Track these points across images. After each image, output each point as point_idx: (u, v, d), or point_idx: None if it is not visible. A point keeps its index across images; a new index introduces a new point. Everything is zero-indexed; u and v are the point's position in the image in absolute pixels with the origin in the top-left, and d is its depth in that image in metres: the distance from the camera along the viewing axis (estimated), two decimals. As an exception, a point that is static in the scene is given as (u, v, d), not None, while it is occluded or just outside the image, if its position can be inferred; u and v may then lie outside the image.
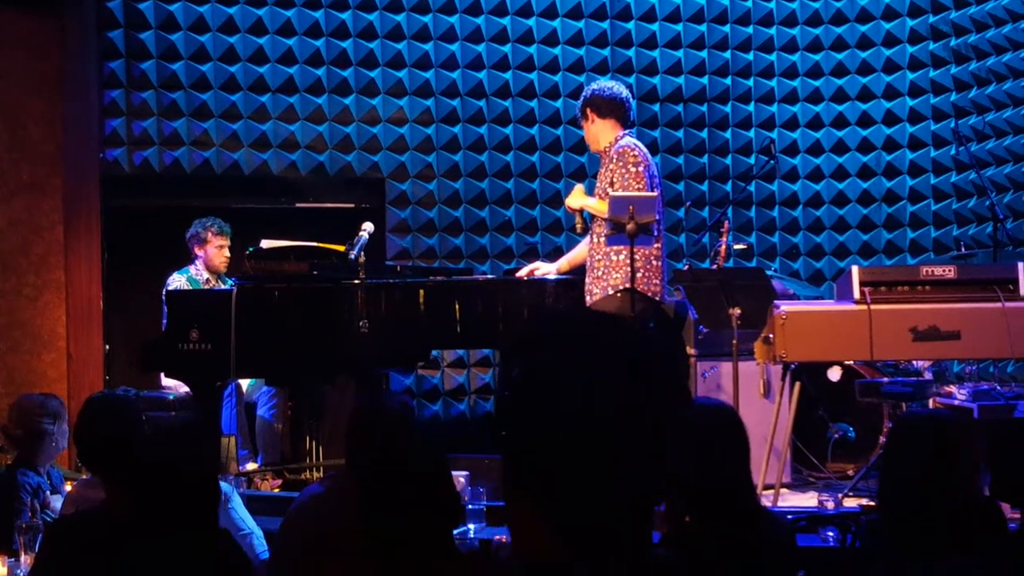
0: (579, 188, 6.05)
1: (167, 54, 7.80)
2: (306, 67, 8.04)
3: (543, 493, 1.48)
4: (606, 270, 5.87)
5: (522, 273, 6.48)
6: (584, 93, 6.09)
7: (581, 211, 5.95)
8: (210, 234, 7.32)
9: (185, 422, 5.43)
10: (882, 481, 3.26)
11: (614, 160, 5.87)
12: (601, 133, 6.01)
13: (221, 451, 6.46)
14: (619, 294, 5.79)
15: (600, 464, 1.46)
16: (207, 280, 7.33)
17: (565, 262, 6.42)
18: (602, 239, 5.86)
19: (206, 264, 7.34)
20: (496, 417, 1.56)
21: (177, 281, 7.25)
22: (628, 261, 5.68)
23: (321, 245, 6.73)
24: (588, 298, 5.96)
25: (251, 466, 7.12)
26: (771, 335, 5.48)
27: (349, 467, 3.17)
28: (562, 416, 1.46)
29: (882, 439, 6.38)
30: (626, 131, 6.02)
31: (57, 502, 4.68)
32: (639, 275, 5.76)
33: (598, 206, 5.85)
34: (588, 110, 6.03)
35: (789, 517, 4.61)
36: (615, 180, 5.81)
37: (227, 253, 7.35)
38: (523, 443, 1.51)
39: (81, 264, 7.46)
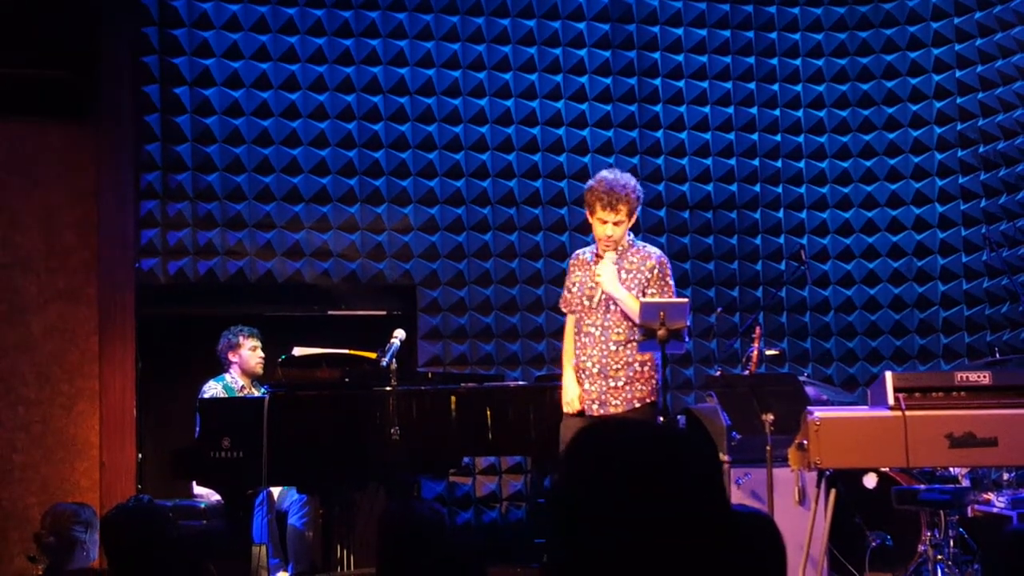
0: (614, 272, 5.77)
1: (203, 165, 7.93)
2: (339, 177, 8.14)
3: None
4: (630, 381, 5.75)
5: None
6: (631, 191, 5.79)
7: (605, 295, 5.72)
8: (241, 338, 7.40)
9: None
10: None
11: (653, 271, 5.79)
12: (627, 230, 5.88)
13: (252, 560, 6.43)
14: (643, 407, 5.76)
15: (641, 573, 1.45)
16: (243, 387, 7.37)
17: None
18: (624, 346, 5.70)
19: (242, 369, 7.39)
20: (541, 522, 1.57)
21: (213, 389, 7.29)
22: (653, 372, 5.68)
23: (353, 352, 6.75)
24: (601, 409, 5.72)
25: (282, 575, 7.07)
26: (805, 441, 5.43)
27: (380, 574, 3.15)
28: (600, 524, 1.46)
29: (921, 547, 6.28)
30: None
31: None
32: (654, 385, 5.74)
33: (631, 304, 5.66)
34: (633, 210, 5.83)
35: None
36: (655, 291, 5.77)
37: (261, 354, 7.42)
38: (563, 552, 1.50)
39: (115, 373, 7.51)
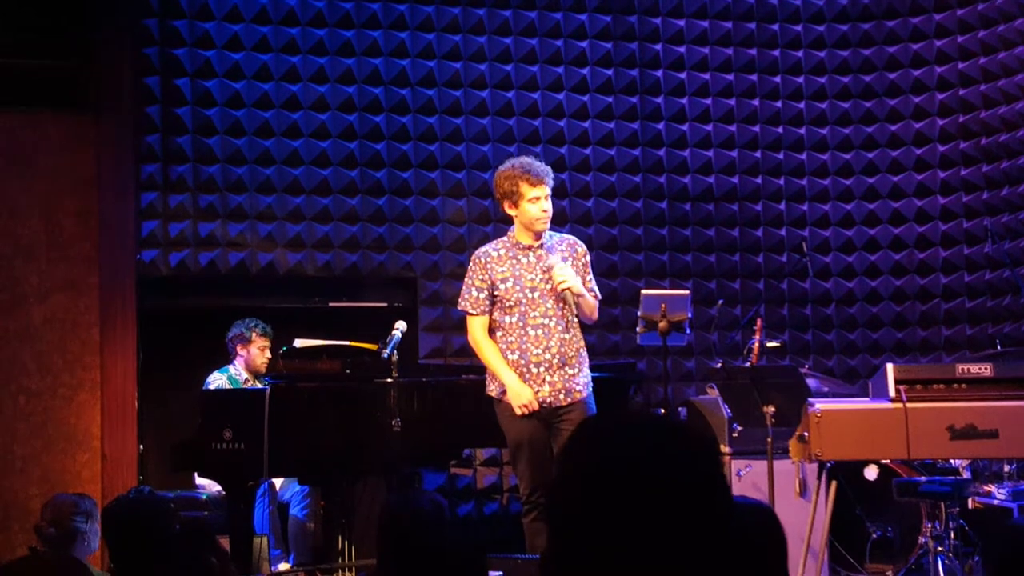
0: (569, 267, 5.61)
1: (204, 157, 7.92)
2: (340, 169, 8.14)
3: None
4: (581, 365, 5.67)
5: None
6: (547, 167, 5.75)
7: (567, 290, 5.53)
8: (255, 335, 7.39)
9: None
10: None
11: (584, 257, 5.75)
12: None
13: (253, 551, 6.43)
14: (592, 389, 5.74)
15: (642, 566, 1.45)
16: (246, 380, 7.37)
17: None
18: (574, 332, 5.60)
19: (247, 364, 7.39)
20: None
21: (217, 380, 7.30)
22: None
23: (354, 344, 6.76)
24: (567, 397, 5.60)
25: (283, 566, 7.09)
26: (806, 433, 5.44)
27: (380, 566, 3.15)
28: (601, 516, 1.46)
29: (921, 539, 6.29)
30: None
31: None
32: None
33: (590, 299, 5.64)
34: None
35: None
36: (590, 278, 5.76)
37: (268, 355, 7.42)
38: (563, 544, 1.50)
39: (116, 364, 7.51)
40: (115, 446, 7.47)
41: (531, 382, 5.60)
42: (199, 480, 7.28)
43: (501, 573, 5.27)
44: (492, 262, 5.71)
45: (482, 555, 2.96)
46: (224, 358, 7.46)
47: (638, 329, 5.72)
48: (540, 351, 5.60)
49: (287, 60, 8.09)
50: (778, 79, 8.78)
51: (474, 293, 5.73)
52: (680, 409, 7.39)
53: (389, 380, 6.27)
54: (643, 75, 8.59)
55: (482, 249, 5.83)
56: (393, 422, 6.13)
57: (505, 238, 5.80)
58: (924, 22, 8.57)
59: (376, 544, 3.19)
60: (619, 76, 8.56)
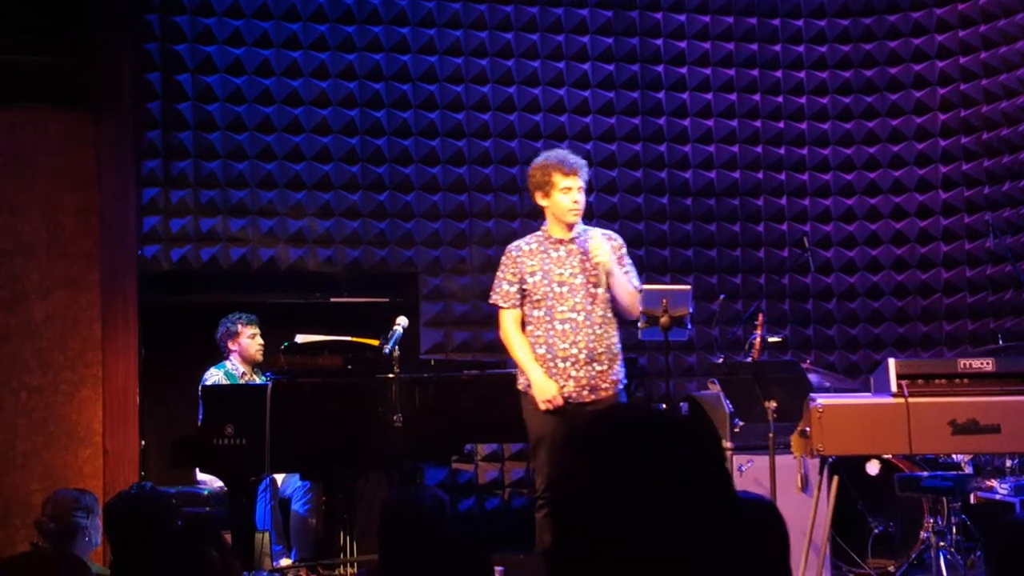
0: (609, 248, 5.63)
1: (205, 153, 7.92)
2: (341, 164, 8.13)
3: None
4: (612, 362, 5.65)
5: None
6: (584, 165, 5.80)
7: (598, 264, 5.54)
8: (240, 326, 7.40)
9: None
10: None
11: (620, 250, 5.74)
12: None
13: (255, 547, 6.44)
14: (623, 388, 5.72)
15: (645, 561, 1.45)
16: (243, 374, 7.38)
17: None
18: (607, 328, 5.59)
19: (242, 356, 7.39)
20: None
21: (215, 376, 7.29)
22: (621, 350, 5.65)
23: (355, 340, 6.76)
24: (592, 394, 5.57)
25: (285, 562, 7.09)
26: (808, 428, 5.43)
27: (382, 562, 3.15)
28: (603, 511, 1.46)
29: (923, 534, 6.29)
30: None
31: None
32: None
33: (624, 281, 5.62)
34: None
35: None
36: (627, 270, 5.75)
37: (260, 341, 7.42)
38: (566, 540, 1.50)
39: (118, 360, 7.51)
40: (116, 442, 7.47)
41: (557, 377, 5.59)
42: (200, 476, 7.28)
43: (502, 569, 5.27)
44: (523, 256, 5.74)
45: (483, 551, 2.96)
46: (223, 355, 7.46)
47: (639, 324, 5.70)
48: (567, 346, 5.59)
49: (288, 55, 8.08)
50: (779, 73, 8.77)
51: (505, 287, 5.76)
52: (681, 404, 7.38)
53: (390, 376, 6.27)
54: (644, 70, 8.59)
55: (514, 243, 5.87)
56: (394, 417, 6.12)
57: (538, 232, 5.82)
58: (925, 17, 8.56)
59: (378, 540, 3.19)
60: (620, 71, 8.55)
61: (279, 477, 7.30)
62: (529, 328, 5.71)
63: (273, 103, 8.04)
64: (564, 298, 5.63)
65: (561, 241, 5.72)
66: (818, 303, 8.74)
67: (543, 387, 5.56)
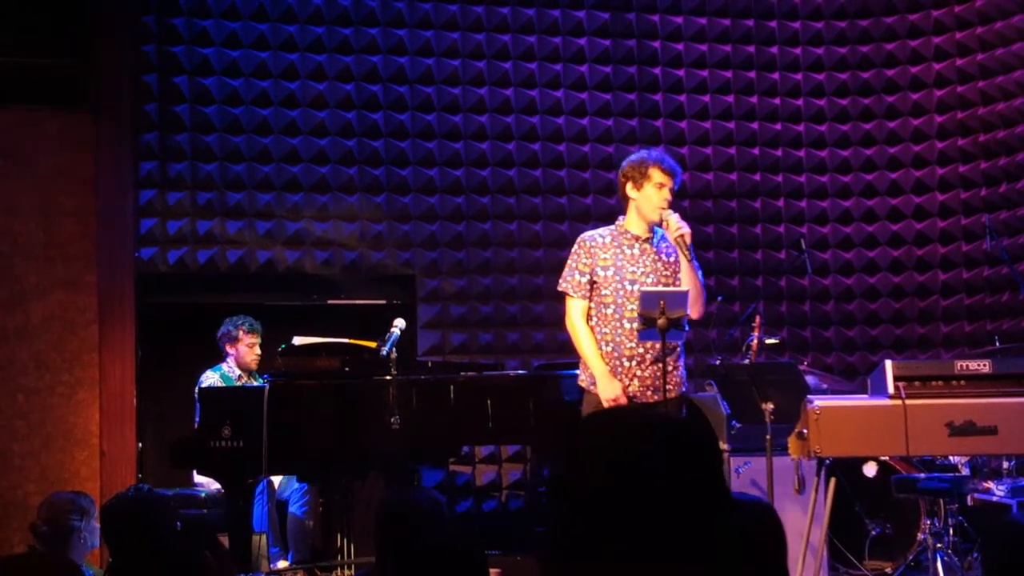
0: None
1: (202, 154, 7.92)
2: (338, 166, 8.13)
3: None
4: (675, 365, 5.57)
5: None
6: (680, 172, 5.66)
7: (680, 237, 5.44)
8: (241, 332, 7.38)
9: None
10: None
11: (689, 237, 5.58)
12: None
13: (252, 549, 6.43)
14: (686, 390, 5.68)
15: (641, 562, 1.45)
16: (239, 377, 7.37)
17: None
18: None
19: (237, 362, 7.39)
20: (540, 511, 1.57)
21: (210, 379, 7.29)
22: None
23: (353, 341, 6.76)
24: (656, 395, 5.48)
25: (282, 564, 7.09)
26: (805, 430, 5.43)
27: (379, 564, 3.15)
28: (600, 512, 1.46)
29: (920, 536, 6.29)
30: None
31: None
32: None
33: (692, 275, 5.50)
34: None
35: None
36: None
37: (258, 351, 7.41)
38: (562, 540, 1.50)
39: (115, 362, 7.50)
40: (114, 444, 7.47)
41: (622, 376, 5.49)
42: (198, 478, 7.28)
43: (499, 571, 5.27)
44: (597, 247, 5.59)
45: (481, 552, 2.95)
46: (221, 356, 7.46)
47: (636, 326, 5.69)
48: (634, 344, 5.48)
49: (285, 57, 8.09)
50: (776, 76, 8.77)
51: (576, 276, 5.59)
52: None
53: (388, 377, 6.27)
54: (641, 72, 8.59)
55: (588, 233, 5.70)
56: (392, 419, 6.12)
57: (613, 226, 5.66)
58: (922, 19, 8.57)
59: (375, 541, 3.19)
60: (617, 73, 8.55)
61: (276, 479, 7.30)
62: (595, 322, 5.57)
63: (270, 105, 8.04)
64: (634, 297, 5.47)
65: (637, 238, 5.60)
66: (815, 305, 8.75)
67: (608, 385, 5.43)
